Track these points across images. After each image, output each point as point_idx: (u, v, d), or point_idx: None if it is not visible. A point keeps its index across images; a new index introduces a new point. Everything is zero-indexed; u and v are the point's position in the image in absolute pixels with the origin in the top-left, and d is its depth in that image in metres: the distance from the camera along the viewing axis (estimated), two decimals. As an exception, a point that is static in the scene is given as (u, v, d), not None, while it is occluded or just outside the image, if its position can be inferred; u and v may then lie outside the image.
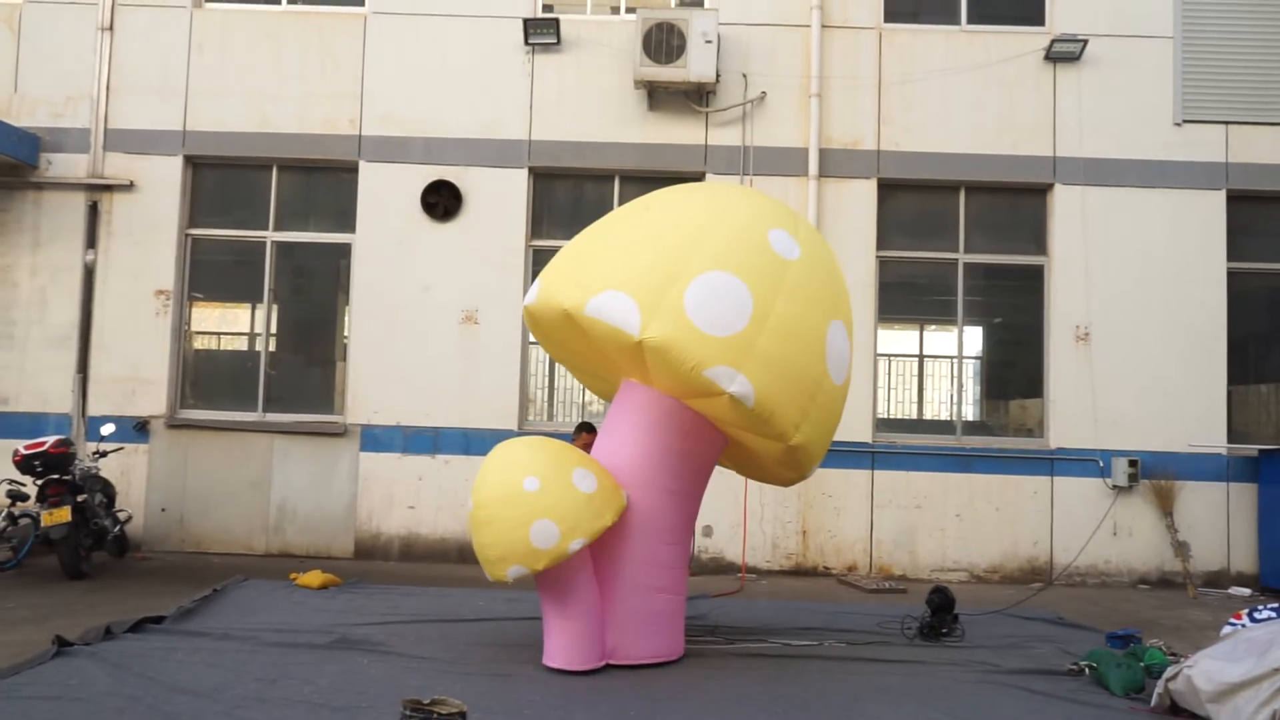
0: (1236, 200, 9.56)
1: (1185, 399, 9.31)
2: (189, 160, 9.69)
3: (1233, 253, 9.52)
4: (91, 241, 9.53)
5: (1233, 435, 9.40)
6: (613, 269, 5.04)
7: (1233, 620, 5.22)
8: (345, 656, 5.25)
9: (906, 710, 4.62)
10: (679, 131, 9.55)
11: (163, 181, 9.58)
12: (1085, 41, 9.43)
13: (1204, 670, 4.46)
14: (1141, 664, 5.19)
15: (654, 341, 4.81)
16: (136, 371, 9.43)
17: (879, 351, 9.58)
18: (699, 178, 9.48)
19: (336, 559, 9.17)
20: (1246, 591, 8.94)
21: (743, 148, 9.53)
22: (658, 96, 9.50)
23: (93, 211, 9.55)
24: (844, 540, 9.25)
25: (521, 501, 4.83)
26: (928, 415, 9.89)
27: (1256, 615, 5.10)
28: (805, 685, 5.01)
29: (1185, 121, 9.55)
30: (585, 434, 7.14)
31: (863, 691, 4.93)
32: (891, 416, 9.79)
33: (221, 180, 9.86)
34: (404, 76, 9.64)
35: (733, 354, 4.83)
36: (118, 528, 8.40)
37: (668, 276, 4.91)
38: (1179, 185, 9.50)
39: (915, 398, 9.96)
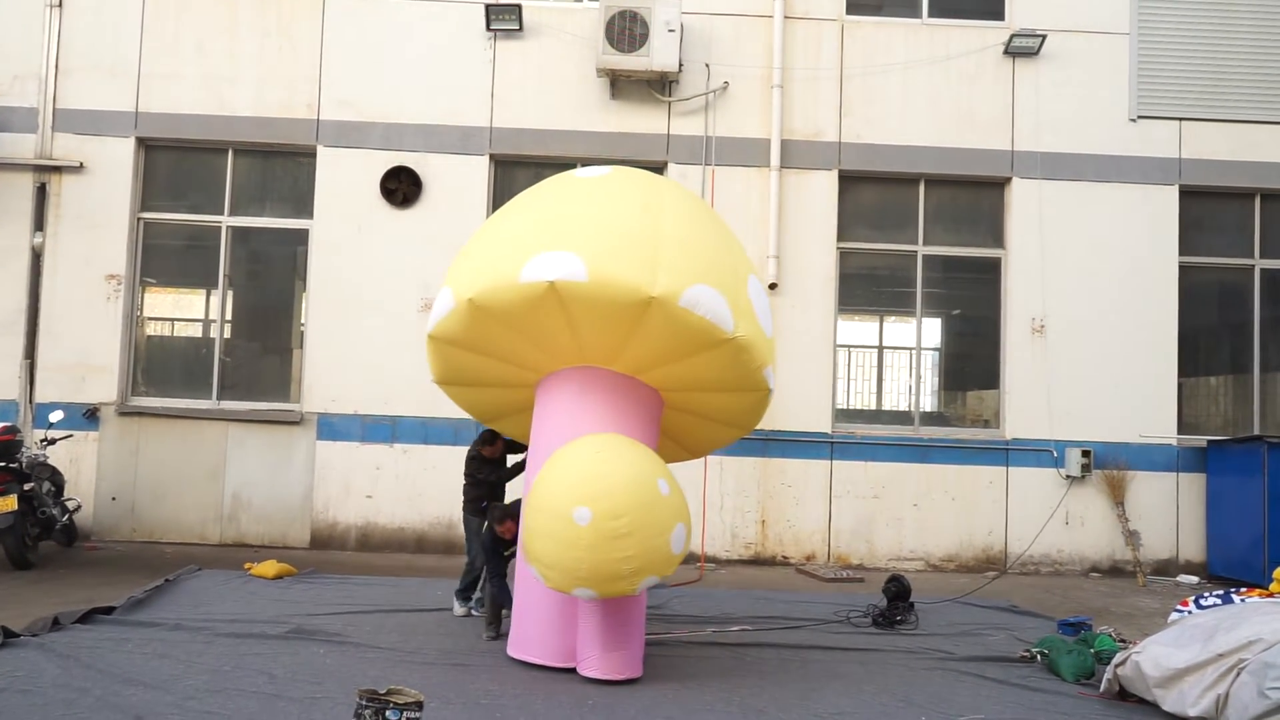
0: (1189, 195, 9.74)
1: (1137, 391, 9.48)
2: (141, 142, 9.49)
3: (1185, 247, 9.70)
4: (39, 224, 9.30)
5: (1183, 427, 9.59)
6: (690, 261, 4.82)
7: (1179, 607, 5.33)
8: (301, 647, 5.19)
9: (863, 698, 4.67)
10: (641, 121, 9.53)
11: (114, 164, 9.36)
12: (1044, 37, 9.54)
13: (1151, 656, 4.55)
14: (1092, 650, 5.29)
15: (744, 340, 4.90)
16: (86, 358, 9.23)
17: (838, 342, 9.64)
18: (661, 167, 9.46)
19: (292, 549, 9.07)
20: (1195, 579, 9.14)
21: (705, 138, 9.52)
22: (620, 85, 9.46)
23: (41, 193, 9.31)
24: (802, 530, 9.32)
25: (661, 507, 4.47)
26: (886, 406, 9.98)
27: (1202, 602, 5.21)
28: (763, 674, 5.04)
29: (1140, 117, 9.70)
30: (495, 442, 6.28)
31: (820, 679, 4.97)
32: (850, 407, 9.87)
33: (175, 163, 9.67)
34: (364, 61, 9.50)
35: (772, 354, 5.21)
36: (66, 516, 8.23)
37: (735, 276, 5.02)
38: (1133, 180, 9.65)
39: (874, 389, 10.04)
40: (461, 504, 6.42)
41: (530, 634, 5.00)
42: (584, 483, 4.42)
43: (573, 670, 4.83)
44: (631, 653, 4.78)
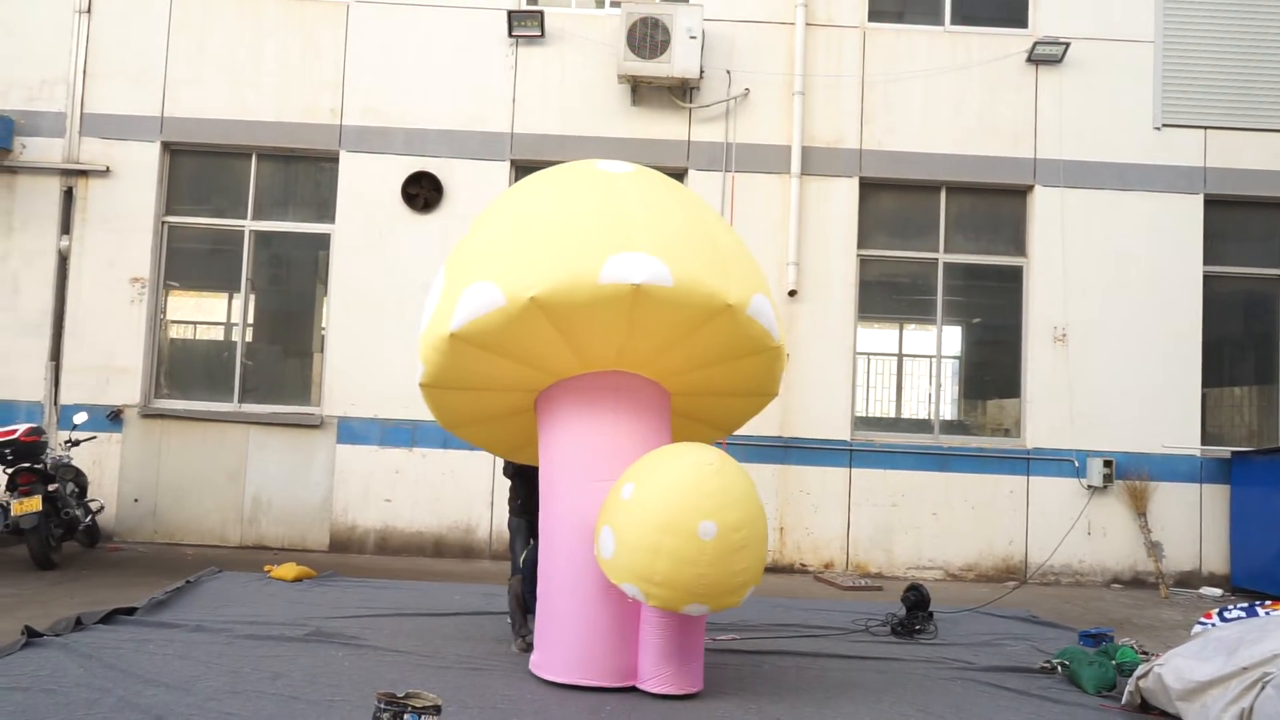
0: (1214, 205, 9.65)
1: (1160, 401, 9.40)
2: (167, 147, 9.59)
3: (1209, 257, 9.61)
4: (66, 227, 9.41)
5: (1206, 437, 9.51)
6: (747, 269, 4.85)
7: (1203, 620, 5.27)
8: (319, 649, 5.21)
9: (881, 707, 4.64)
10: (662, 127, 9.54)
11: (140, 168, 9.47)
12: (1067, 44, 9.49)
13: (1174, 669, 4.50)
14: (1113, 662, 5.23)
15: (781, 349, 5.02)
16: (111, 360, 9.32)
17: (858, 350, 9.61)
18: (682, 174, 9.47)
19: (311, 551, 9.12)
20: (1218, 592, 9.04)
21: (725, 144, 9.53)
22: (641, 91, 9.48)
23: (68, 197, 9.43)
24: (821, 538, 9.28)
25: (763, 517, 4.50)
26: (906, 414, 9.94)
27: (1226, 615, 5.15)
28: (780, 682, 5.01)
29: (1165, 126, 9.63)
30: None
31: (837, 688, 4.94)
32: (870, 415, 9.83)
33: (200, 168, 9.76)
34: (386, 66, 9.57)
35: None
36: (89, 518, 8.31)
37: (765, 285, 5.01)
38: (1157, 189, 9.58)
39: (894, 397, 10.00)
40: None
41: (587, 656, 4.68)
42: (708, 496, 4.29)
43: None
44: (697, 666, 4.71)
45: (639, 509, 4.33)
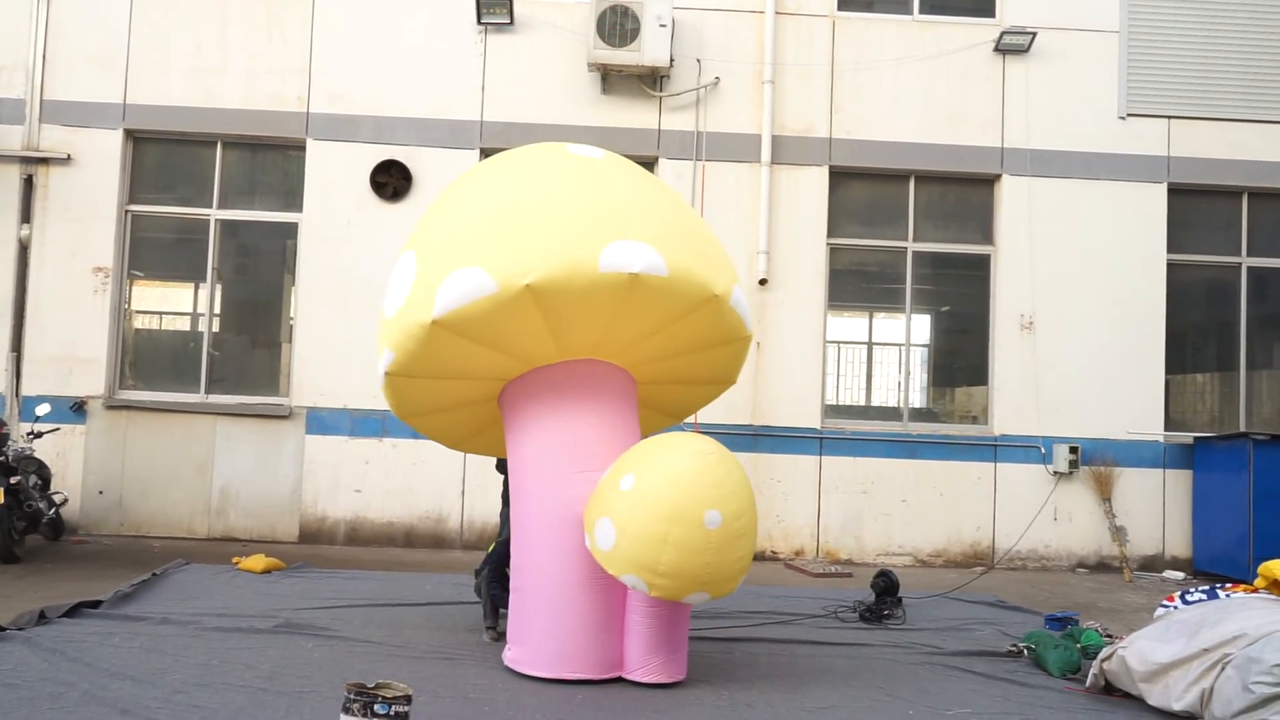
0: (1177, 193, 9.79)
1: (1125, 388, 9.53)
2: (129, 134, 9.44)
3: (1173, 245, 9.75)
4: (26, 216, 9.24)
5: (1169, 424, 9.66)
6: (725, 260, 4.90)
7: (1165, 602, 5.35)
8: (289, 641, 5.18)
9: (850, 691, 4.68)
10: (632, 115, 9.52)
11: (102, 155, 9.31)
12: (1034, 34, 9.57)
13: (1137, 651, 4.57)
14: (1078, 645, 5.31)
15: (751, 339, 5.18)
16: (74, 351, 9.18)
17: (828, 338, 9.66)
18: (652, 162, 9.46)
19: (281, 543, 9.05)
20: (1180, 575, 9.20)
21: (696, 133, 9.52)
22: (611, 80, 9.45)
23: (28, 185, 9.26)
24: (791, 525, 9.34)
25: (755, 505, 4.59)
26: (875, 402, 10.01)
27: (1188, 597, 5.23)
28: (752, 668, 5.05)
29: (1129, 115, 9.74)
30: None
31: (808, 674, 4.98)
32: (840, 403, 9.89)
33: (164, 155, 9.62)
34: (354, 53, 9.47)
35: None
36: (53, 510, 8.19)
37: (737, 275, 5.03)
38: (1122, 178, 9.69)
39: (863, 385, 10.07)
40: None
41: (570, 650, 4.59)
42: (712, 485, 4.30)
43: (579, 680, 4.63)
44: (683, 655, 4.71)
45: (643, 499, 4.27)
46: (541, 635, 4.65)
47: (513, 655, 4.77)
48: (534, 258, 4.36)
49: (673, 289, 4.53)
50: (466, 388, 5.04)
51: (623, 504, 4.32)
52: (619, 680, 4.63)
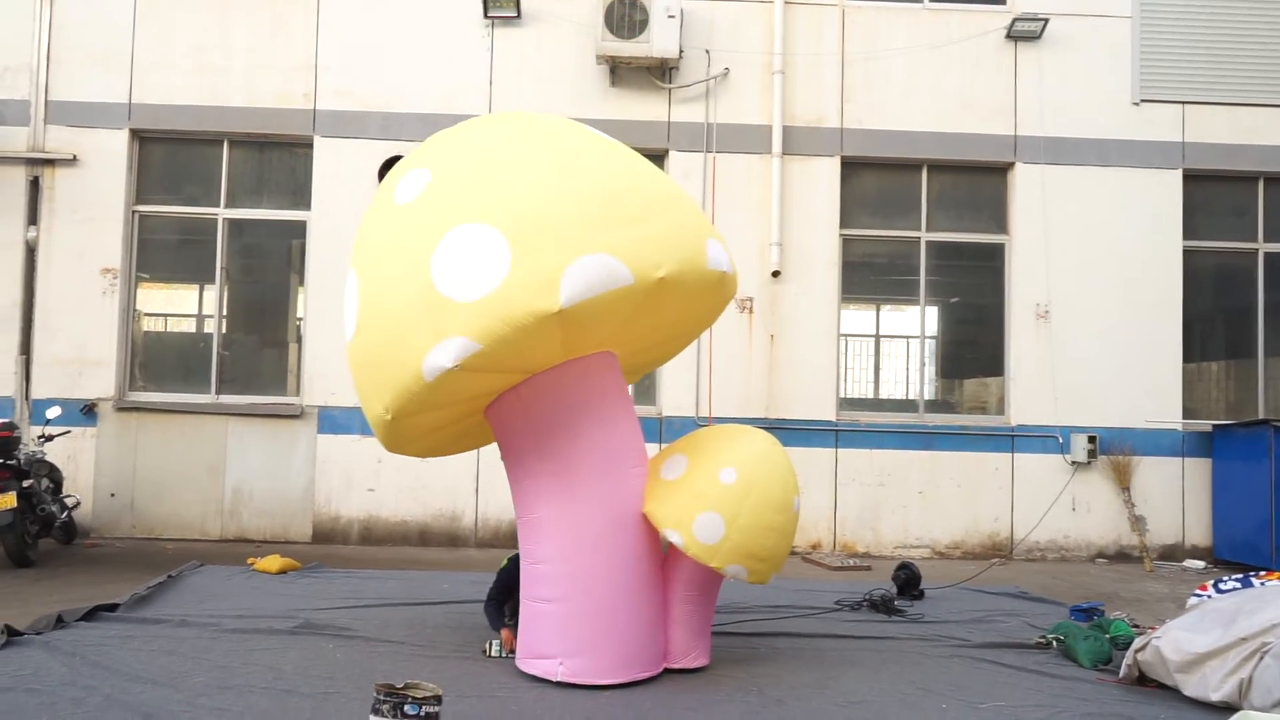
0: (1192, 179, 9.70)
1: (1142, 376, 9.45)
2: (135, 134, 9.37)
3: (1188, 231, 9.66)
4: (33, 218, 9.19)
5: (1187, 412, 9.58)
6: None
7: (1198, 591, 5.28)
8: (309, 641, 5.11)
9: (881, 685, 4.61)
10: (641, 108, 9.44)
11: (108, 156, 9.25)
12: (1046, 20, 9.48)
13: (1172, 641, 4.50)
14: (1108, 636, 5.25)
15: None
16: (83, 353, 9.13)
17: (842, 330, 9.58)
18: (661, 155, 9.38)
19: (295, 543, 9.00)
20: (1201, 564, 9.13)
21: (706, 124, 9.44)
22: (620, 72, 9.37)
23: (34, 187, 9.20)
24: (808, 518, 9.26)
25: None
26: (890, 393, 9.93)
27: (1221, 586, 5.16)
28: (778, 663, 4.98)
29: (1143, 101, 9.65)
30: None
31: (836, 667, 4.91)
32: (854, 395, 9.82)
33: (170, 155, 9.56)
34: (360, 49, 9.40)
35: None
36: (65, 514, 8.14)
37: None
38: (1136, 164, 9.60)
39: (878, 376, 9.99)
40: None
41: (634, 651, 4.44)
42: (791, 473, 4.62)
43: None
44: (710, 639, 4.88)
45: (755, 492, 4.44)
46: (598, 642, 4.39)
47: (572, 668, 4.40)
48: (662, 250, 4.10)
49: (727, 284, 4.61)
50: (462, 408, 4.53)
51: (729, 497, 4.41)
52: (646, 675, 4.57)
